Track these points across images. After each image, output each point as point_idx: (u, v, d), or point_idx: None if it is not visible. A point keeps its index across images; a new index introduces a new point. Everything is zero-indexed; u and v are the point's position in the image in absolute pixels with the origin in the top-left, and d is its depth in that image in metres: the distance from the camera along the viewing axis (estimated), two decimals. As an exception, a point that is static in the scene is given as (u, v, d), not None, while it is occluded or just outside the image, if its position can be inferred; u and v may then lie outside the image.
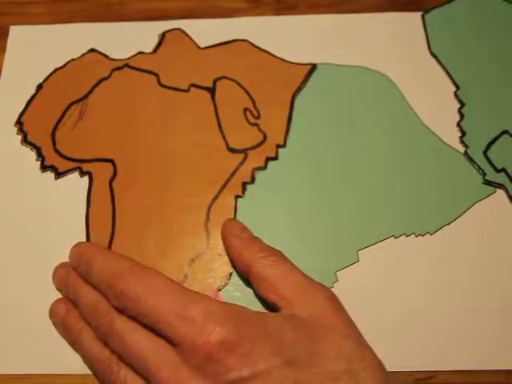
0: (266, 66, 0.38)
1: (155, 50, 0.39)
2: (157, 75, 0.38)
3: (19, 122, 0.37)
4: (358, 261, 0.32)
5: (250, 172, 0.34)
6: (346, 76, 0.37)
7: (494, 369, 0.30)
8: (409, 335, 0.30)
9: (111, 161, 0.35)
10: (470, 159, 0.35)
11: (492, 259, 0.32)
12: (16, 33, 0.40)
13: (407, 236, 0.33)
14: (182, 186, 0.34)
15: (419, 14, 0.40)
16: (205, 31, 0.39)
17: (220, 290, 0.32)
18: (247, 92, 0.37)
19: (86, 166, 0.35)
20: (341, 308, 0.27)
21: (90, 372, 0.29)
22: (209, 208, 0.34)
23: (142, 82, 0.37)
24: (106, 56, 0.38)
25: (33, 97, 0.37)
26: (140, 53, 0.38)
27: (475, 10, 0.40)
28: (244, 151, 0.35)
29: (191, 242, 0.33)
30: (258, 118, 0.36)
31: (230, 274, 0.32)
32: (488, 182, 0.34)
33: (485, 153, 0.35)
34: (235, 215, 0.34)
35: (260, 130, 0.36)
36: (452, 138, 0.36)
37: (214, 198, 0.34)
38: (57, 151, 0.36)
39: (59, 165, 0.35)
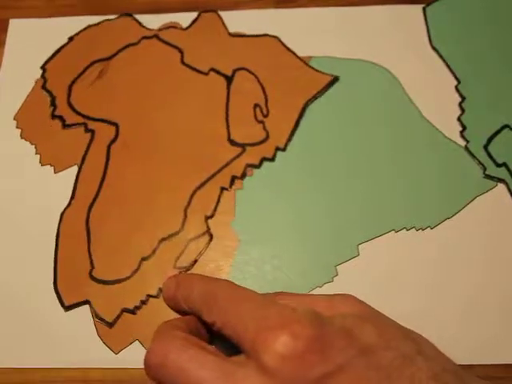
0: (288, 67, 0.37)
1: (188, 27, 0.39)
2: (182, 52, 0.38)
3: (43, 68, 0.38)
4: (359, 255, 0.32)
5: (243, 167, 0.35)
6: (347, 69, 0.37)
7: (494, 363, 0.30)
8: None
9: (116, 124, 0.36)
10: (471, 154, 0.34)
11: (492, 253, 0.32)
12: (16, 26, 0.40)
13: (408, 230, 0.33)
14: (174, 165, 0.35)
15: (420, 6, 0.39)
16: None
17: (180, 272, 0.32)
18: (263, 88, 0.37)
19: (91, 124, 0.36)
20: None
21: (90, 366, 0.30)
22: (193, 193, 0.34)
23: (166, 56, 0.38)
24: (140, 23, 0.39)
25: (62, 47, 0.39)
26: (172, 26, 0.39)
27: (477, 3, 0.38)
28: (243, 146, 0.35)
29: (167, 222, 0.33)
30: (265, 116, 0.36)
31: (195, 261, 0.32)
32: (488, 177, 0.34)
33: (485, 147, 0.34)
34: (218, 203, 0.34)
35: (264, 128, 0.36)
36: (453, 132, 0.35)
37: (201, 185, 0.34)
38: (69, 104, 0.37)
39: (67, 117, 0.37)
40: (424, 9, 0.39)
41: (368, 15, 0.39)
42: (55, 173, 0.35)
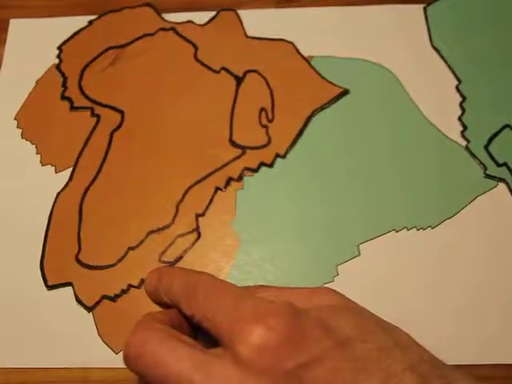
0: (299, 75, 0.37)
1: (205, 24, 0.39)
2: (196, 48, 0.38)
3: (60, 49, 0.38)
4: (359, 254, 0.32)
5: (240, 170, 0.34)
6: (347, 69, 0.37)
7: (495, 363, 0.29)
8: (408, 329, 0.29)
9: (122, 112, 0.36)
10: (471, 154, 0.34)
11: (493, 253, 0.32)
12: (16, 26, 0.40)
13: (408, 230, 0.33)
14: (173, 159, 0.35)
15: (421, 6, 0.39)
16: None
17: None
18: (271, 93, 0.36)
19: (97, 109, 0.36)
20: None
21: (91, 366, 0.30)
22: (187, 189, 0.34)
23: (180, 50, 0.38)
24: (159, 14, 0.39)
25: (81, 30, 0.39)
26: (190, 21, 0.39)
27: (477, 3, 0.39)
28: (243, 148, 0.35)
29: (158, 215, 0.33)
30: (270, 121, 0.36)
31: (180, 257, 0.32)
32: (489, 177, 0.34)
33: (486, 147, 0.34)
34: (211, 202, 0.34)
35: (267, 133, 0.35)
36: (453, 132, 0.35)
37: (196, 182, 0.34)
38: (79, 87, 0.37)
39: (76, 99, 0.37)
40: (425, 8, 0.39)
41: (369, 15, 0.39)
42: (56, 173, 0.35)
